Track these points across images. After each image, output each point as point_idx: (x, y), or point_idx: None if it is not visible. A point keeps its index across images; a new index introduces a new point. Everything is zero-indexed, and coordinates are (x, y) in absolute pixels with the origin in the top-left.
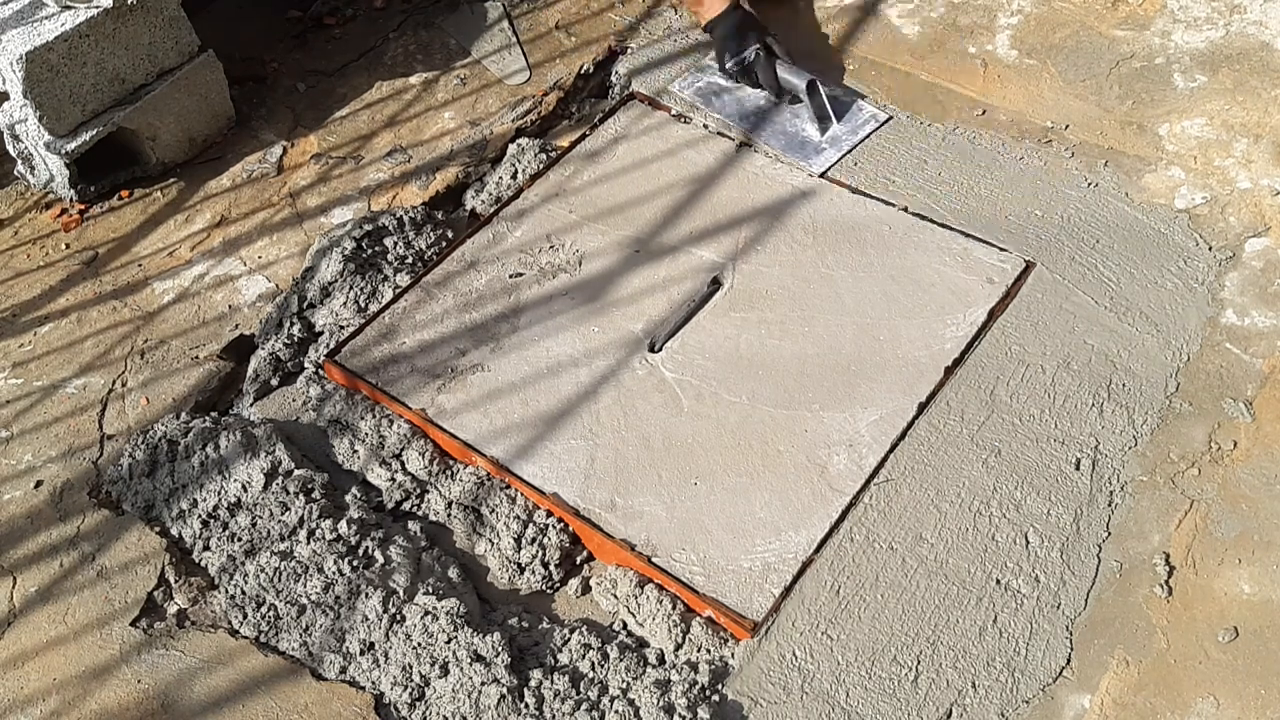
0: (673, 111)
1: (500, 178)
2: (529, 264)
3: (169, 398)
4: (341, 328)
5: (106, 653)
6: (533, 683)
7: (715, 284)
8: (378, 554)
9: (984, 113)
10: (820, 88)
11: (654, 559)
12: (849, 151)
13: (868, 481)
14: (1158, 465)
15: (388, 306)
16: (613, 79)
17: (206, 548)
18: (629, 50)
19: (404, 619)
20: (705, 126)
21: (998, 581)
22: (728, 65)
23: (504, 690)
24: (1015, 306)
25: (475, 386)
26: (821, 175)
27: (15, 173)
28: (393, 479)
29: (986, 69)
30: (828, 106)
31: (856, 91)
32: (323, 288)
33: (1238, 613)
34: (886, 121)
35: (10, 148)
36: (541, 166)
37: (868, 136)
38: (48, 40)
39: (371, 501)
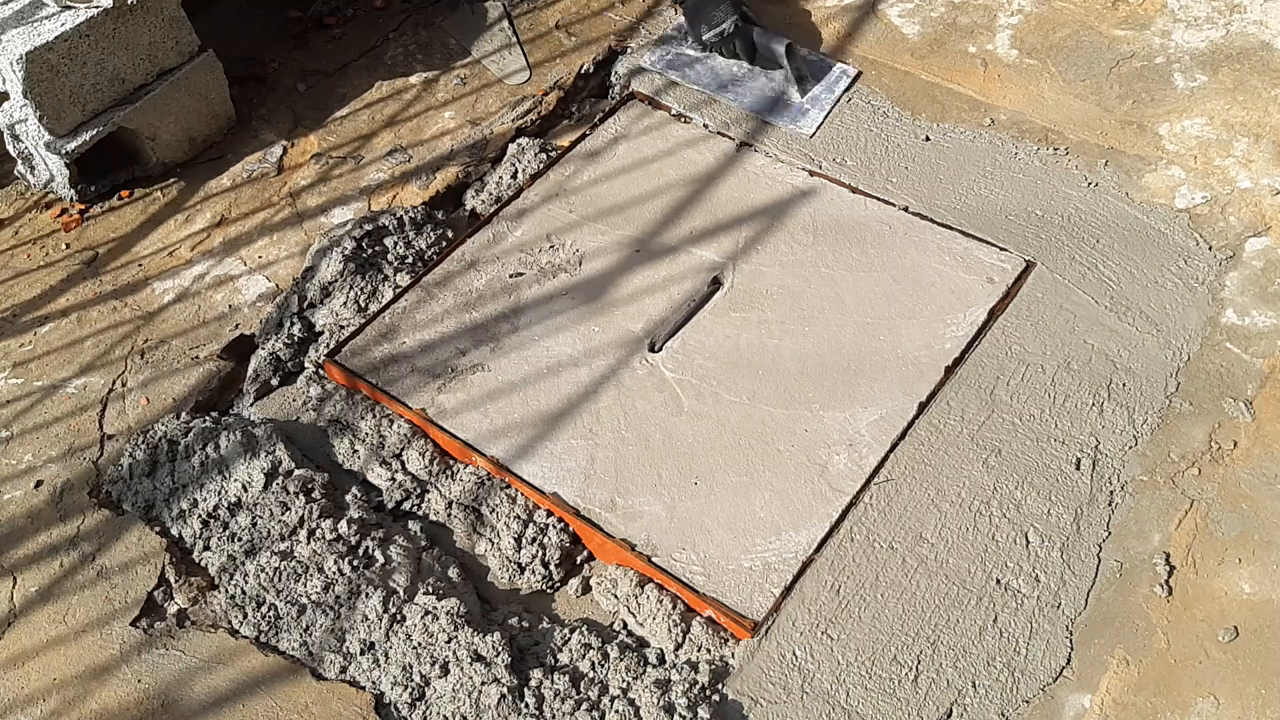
0: (673, 111)
1: (500, 177)
2: (529, 264)
3: (169, 398)
4: (341, 327)
5: (107, 652)
6: (533, 682)
7: (715, 284)
8: (378, 554)
9: (984, 112)
10: (797, 50)
11: (654, 559)
12: (831, 109)
13: (868, 481)
14: (1158, 465)
15: (388, 306)
16: (612, 79)
17: (207, 547)
18: (629, 50)
19: (404, 619)
20: (705, 126)
21: (998, 581)
22: (706, 36)
23: (504, 690)
24: (1015, 306)
25: (475, 386)
26: (811, 135)
27: (15, 173)
28: (393, 479)
29: (987, 69)
30: (805, 69)
31: (823, 53)
32: (323, 287)
33: (1238, 612)
34: (857, 76)
35: (10, 148)
36: (541, 166)
37: (844, 93)
38: (48, 40)
39: (372, 501)
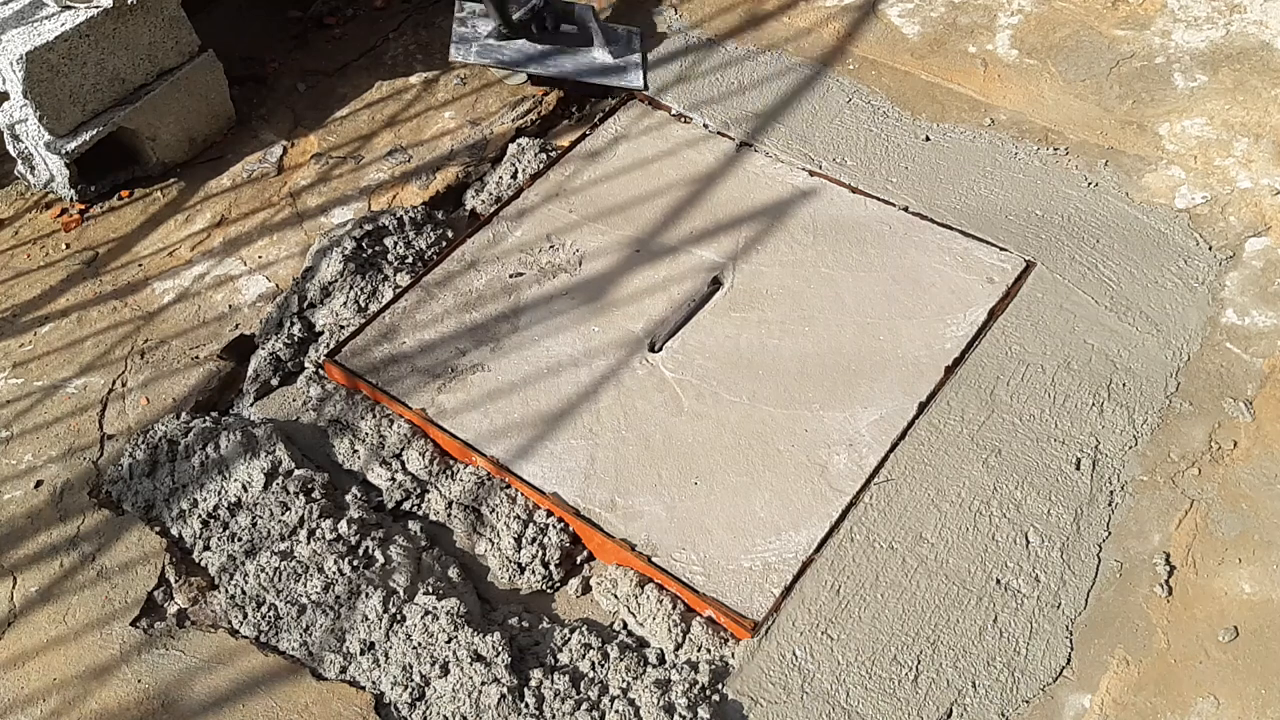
0: (673, 111)
1: (500, 177)
2: (529, 264)
3: (169, 398)
4: (342, 327)
5: (107, 652)
6: (533, 682)
7: (715, 284)
8: (378, 554)
9: (984, 112)
10: (597, 14)
11: (654, 559)
12: (645, 65)
13: (868, 481)
14: (1158, 465)
15: (388, 306)
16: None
17: (207, 548)
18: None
19: (404, 619)
20: (705, 126)
21: (998, 581)
22: (519, 15)
23: (504, 690)
24: (1015, 306)
25: (475, 386)
26: (644, 89)
27: (15, 173)
28: (393, 479)
29: (987, 69)
30: (606, 32)
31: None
32: (323, 287)
33: (1238, 612)
34: (640, 35)
35: (10, 148)
36: (542, 166)
37: (643, 47)
38: (48, 40)
39: (372, 501)
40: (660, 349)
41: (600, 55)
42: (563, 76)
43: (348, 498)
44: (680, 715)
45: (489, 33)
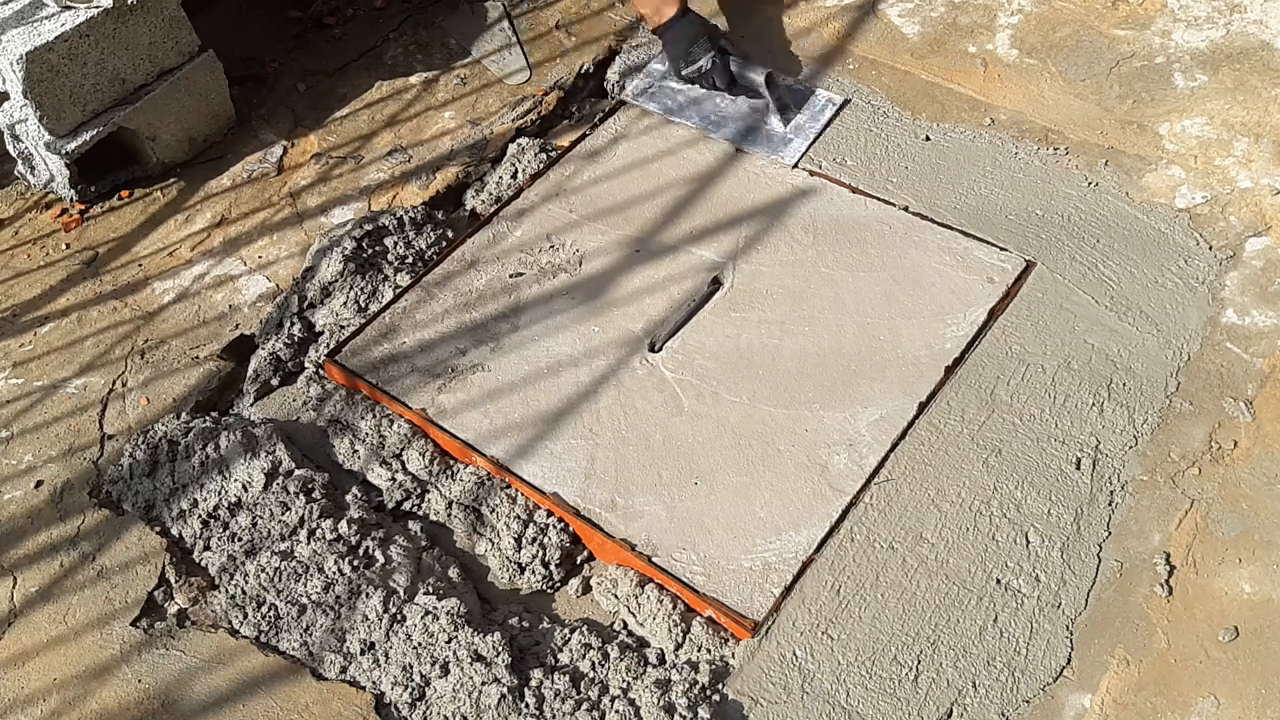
0: None
1: (500, 177)
2: (529, 263)
3: (169, 397)
4: (342, 327)
5: (107, 652)
6: (533, 682)
7: (715, 283)
8: (378, 554)
9: (984, 112)
10: (778, 79)
11: (654, 559)
12: (816, 139)
13: (868, 481)
14: (1158, 465)
15: (388, 306)
16: (608, 77)
17: (207, 547)
18: (619, 62)
19: (404, 619)
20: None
21: (998, 581)
22: (686, 72)
23: (504, 690)
24: (1015, 306)
25: (475, 386)
26: (794, 165)
27: (15, 173)
28: (393, 479)
29: (987, 68)
30: (787, 98)
31: (803, 80)
32: (323, 287)
33: (1238, 612)
34: (844, 104)
35: (10, 148)
36: (541, 166)
37: (830, 121)
38: (48, 40)
39: (372, 501)
40: (660, 349)
41: (770, 120)
42: (721, 136)
43: (348, 498)
44: (680, 715)
45: (664, 72)
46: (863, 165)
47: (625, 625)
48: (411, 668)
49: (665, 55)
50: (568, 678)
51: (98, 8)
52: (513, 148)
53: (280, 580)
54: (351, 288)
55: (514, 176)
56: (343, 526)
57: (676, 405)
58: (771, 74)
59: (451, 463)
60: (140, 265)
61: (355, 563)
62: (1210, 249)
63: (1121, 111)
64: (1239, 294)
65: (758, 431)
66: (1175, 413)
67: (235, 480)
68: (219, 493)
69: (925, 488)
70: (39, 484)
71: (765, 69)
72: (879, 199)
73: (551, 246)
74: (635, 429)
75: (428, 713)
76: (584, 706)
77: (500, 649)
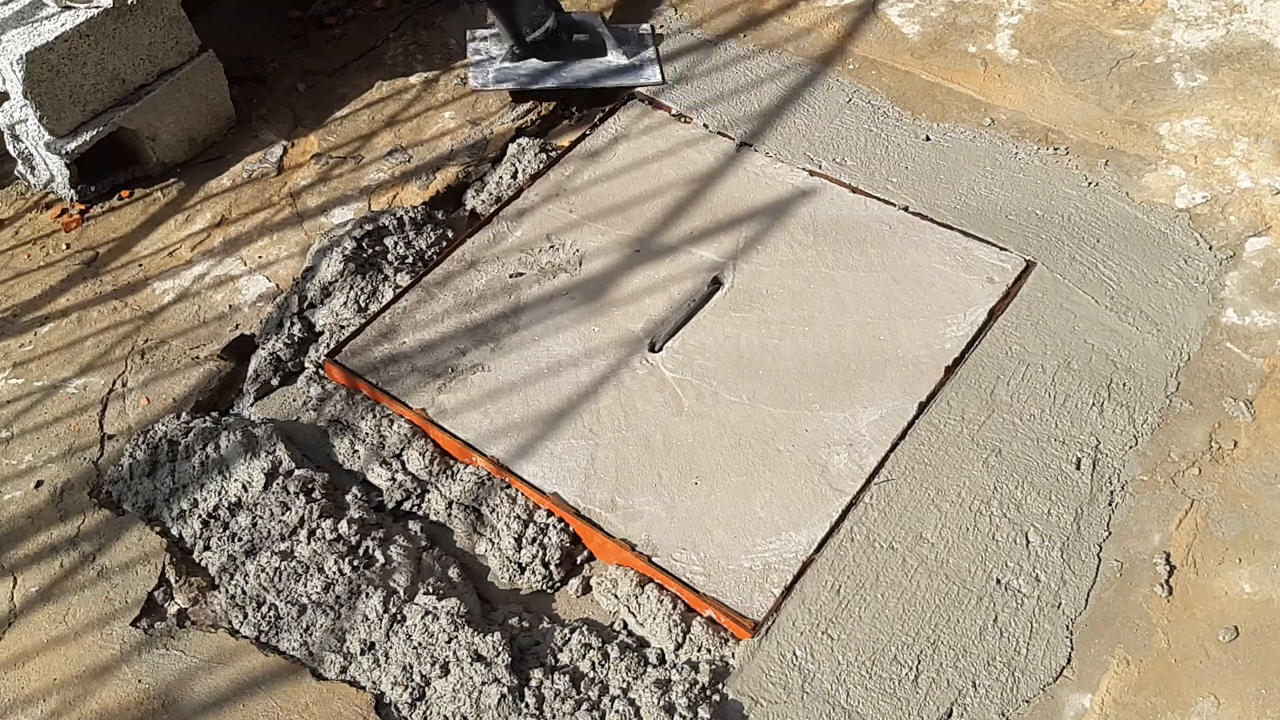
0: (673, 111)
1: (500, 177)
2: (529, 263)
3: (169, 398)
4: (342, 327)
5: (107, 652)
6: (533, 682)
7: (715, 284)
8: (378, 554)
9: (984, 112)
10: (604, 20)
11: (654, 559)
12: (660, 59)
13: (868, 481)
14: (1158, 464)
15: (388, 306)
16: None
17: (207, 547)
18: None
19: (404, 619)
20: (705, 126)
21: (998, 581)
22: (532, 35)
23: (504, 690)
24: (1016, 306)
25: (475, 386)
26: (662, 83)
27: (15, 173)
28: (393, 479)
29: (987, 68)
30: (617, 35)
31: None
32: (323, 287)
33: (1238, 612)
34: (652, 31)
35: (10, 148)
36: (542, 166)
37: (656, 42)
38: (48, 40)
39: (372, 501)
40: (660, 349)
41: (615, 58)
42: (580, 85)
43: (348, 498)
44: (680, 715)
45: (503, 55)
46: (863, 165)
47: (625, 625)
48: (411, 668)
49: (505, 29)
50: (568, 678)
51: (98, 8)
52: (513, 148)
53: (280, 580)
54: (351, 288)
55: (514, 176)
56: (343, 526)
57: (676, 405)
58: (601, 15)
59: (451, 463)
60: (140, 265)
61: (355, 563)
62: (1210, 249)
63: (1121, 111)
64: (1239, 294)
65: (758, 431)
66: (1175, 413)
67: (235, 480)
68: (219, 493)
69: (925, 488)
70: (39, 484)
71: (595, 13)
72: (879, 199)
73: (551, 246)
74: (635, 429)
75: (428, 713)
76: (584, 706)
77: (500, 649)
